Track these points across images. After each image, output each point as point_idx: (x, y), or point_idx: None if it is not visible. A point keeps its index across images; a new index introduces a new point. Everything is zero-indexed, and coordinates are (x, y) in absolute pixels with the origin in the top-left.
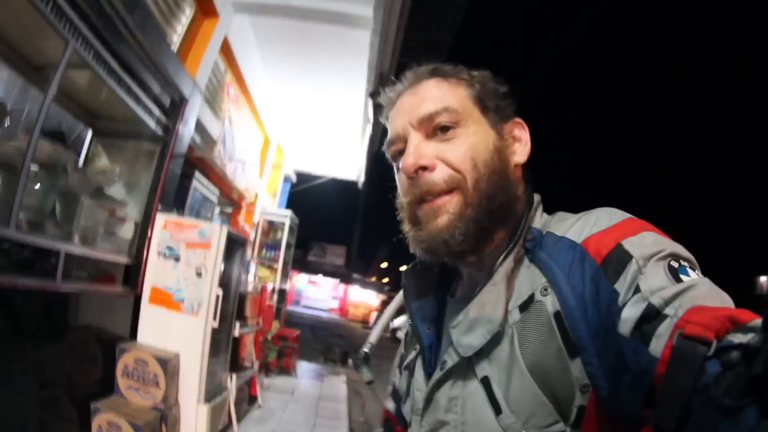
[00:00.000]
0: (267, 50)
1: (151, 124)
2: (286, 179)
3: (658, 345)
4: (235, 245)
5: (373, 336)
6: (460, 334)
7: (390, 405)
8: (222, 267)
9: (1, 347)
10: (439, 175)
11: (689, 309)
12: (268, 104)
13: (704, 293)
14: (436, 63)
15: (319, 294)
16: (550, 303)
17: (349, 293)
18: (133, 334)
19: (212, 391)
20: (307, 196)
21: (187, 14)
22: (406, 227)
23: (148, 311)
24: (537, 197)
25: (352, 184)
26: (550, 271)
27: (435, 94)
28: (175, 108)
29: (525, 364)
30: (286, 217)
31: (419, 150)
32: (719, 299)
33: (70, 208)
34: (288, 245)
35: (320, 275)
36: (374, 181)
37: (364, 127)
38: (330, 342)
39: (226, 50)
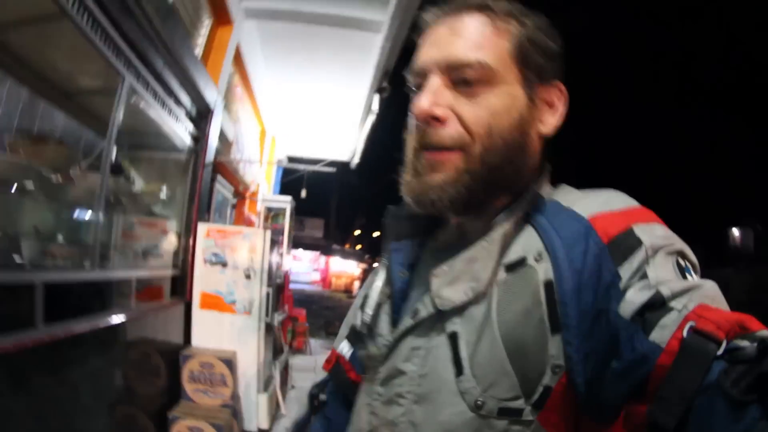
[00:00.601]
0: (270, 49)
1: (185, 136)
2: (279, 164)
3: (662, 335)
4: (273, 244)
5: (369, 305)
6: (442, 285)
7: (345, 349)
8: (268, 267)
9: (72, 374)
10: (448, 131)
11: (699, 305)
12: (267, 96)
13: (712, 295)
14: None
15: (301, 268)
16: (542, 271)
17: (330, 264)
18: (187, 338)
19: (265, 381)
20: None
21: (206, 24)
22: (404, 168)
23: (200, 316)
24: (548, 166)
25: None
26: (548, 237)
27: (473, 37)
28: (202, 118)
29: (499, 329)
30: (287, 202)
31: (436, 98)
32: (725, 304)
33: (129, 235)
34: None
35: (300, 249)
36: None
37: (364, 117)
38: (324, 315)
39: (236, 54)
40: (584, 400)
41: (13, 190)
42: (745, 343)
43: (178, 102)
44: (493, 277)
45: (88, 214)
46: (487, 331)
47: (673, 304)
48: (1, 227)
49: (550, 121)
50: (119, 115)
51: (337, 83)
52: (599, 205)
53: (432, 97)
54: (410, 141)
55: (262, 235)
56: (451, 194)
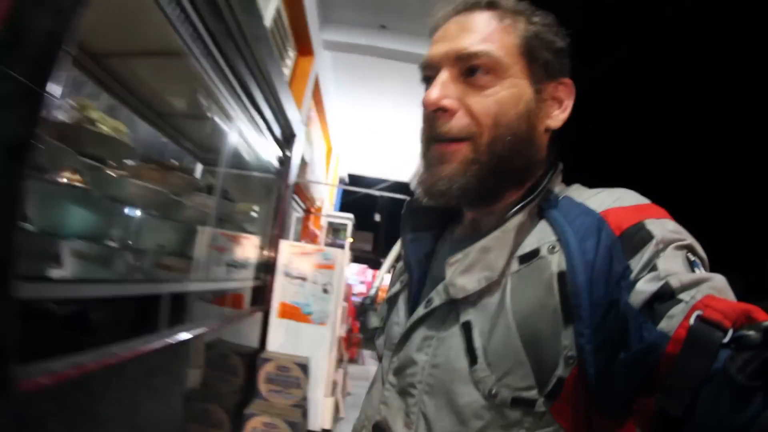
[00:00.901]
0: (343, 76)
1: (273, 159)
2: (341, 182)
3: (670, 324)
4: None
5: (377, 281)
6: (456, 273)
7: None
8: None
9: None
10: (457, 122)
11: (707, 296)
12: (335, 119)
13: (720, 287)
14: None
15: (350, 280)
16: (555, 262)
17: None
18: (262, 343)
19: (331, 387)
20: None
21: (291, 56)
22: (419, 160)
23: (277, 324)
24: (560, 165)
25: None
26: (562, 230)
27: (482, 31)
28: (288, 142)
29: (513, 318)
30: (349, 219)
31: (444, 90)
32: (732, 296)
33: (223, 248)
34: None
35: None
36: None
37: None
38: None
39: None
40: (596, 393)
41: (145, 212)
42: (751, 332)
43: (269, 128)
44: (507, 267)
45: (198, 232)
46: (501, 320)
47: (681, 295)
48: (138, 244)
49: (558, 116)
50: (229, 143)
51: (403, 111)
52: (611, 201)
53: (441, 89)
54: (423, 134)
55: (340, 255)
56: (460, 184)
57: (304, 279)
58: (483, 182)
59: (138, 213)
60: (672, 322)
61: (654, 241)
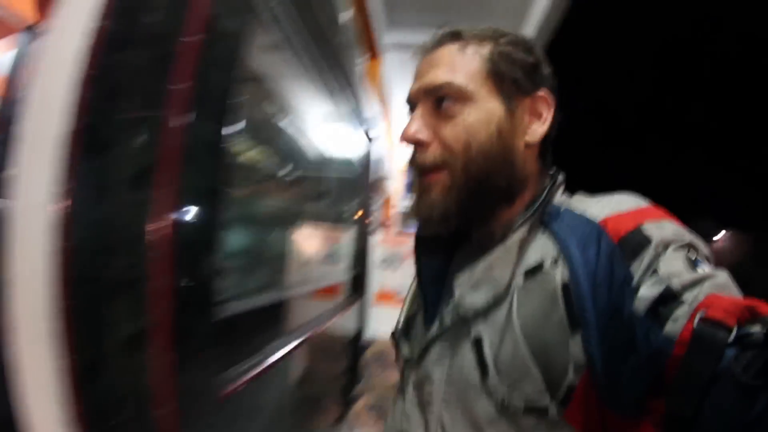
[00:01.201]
0: (407, 76)
1: (359, 158)
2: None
3: (675, 327)
4: None
5: (402, 313)
6: (464, 292)
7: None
8: None
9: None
10: (431, 153)
11: (710, 295)
12: (397, 114)
13: (723, 283)
14: (464, 25)
15: None
16: (558, 274)
17: None
18: (362, 329)
19: None
20: None
21: (365, 57)
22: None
23: (375, 309)
24: (561, 177)
25: None
26: (563, 243)
27: (447, 63)
28: (371, 140)
29: (520, 330)
30: None
31: (418, 124)
32: (737, 292)
33: (330, 243)
34: None
35: None
36: None
37: None
38: None
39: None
40: (606, 397)
41: (274, 224)
42: (756, 329)
43: (357, 126)
44: (512, 282)
45: (310, 234)
46: (509, 332)
47: (684, 296)
48: (269, 254)
49: (537, 129)
50: (333, 148)
51: None
52: (610, 208)
53: (415, 124)
54: (410, 166)
55: None
56: (440, 210)
57: (398, 265)
58: (463, 206)
59: (268, 226)
60: (676, 325)
61: (652, 245)
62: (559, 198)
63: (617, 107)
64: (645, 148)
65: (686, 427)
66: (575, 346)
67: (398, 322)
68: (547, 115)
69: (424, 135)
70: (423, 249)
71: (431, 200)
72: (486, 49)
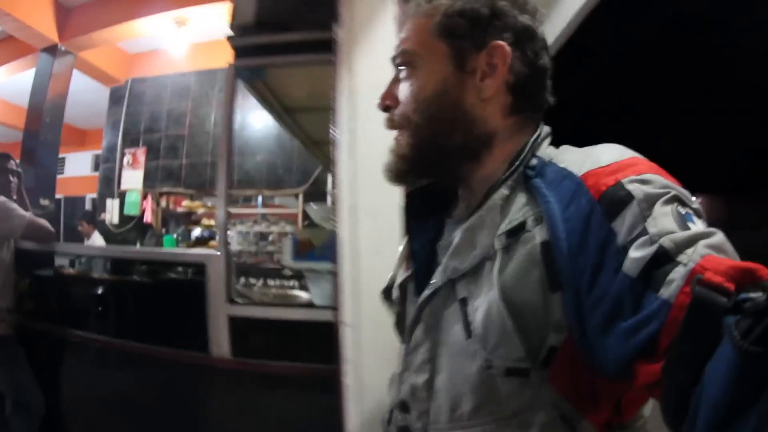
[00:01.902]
0: None
1: None
2: None
3: (670, 290)
4: None
5: (394, 270)
6: (448, 256)
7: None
8: None
9: None
10: (396, 114)
11: (706, 256)
12: None
13: (718, 244)
14: None
15: None
16: (539, 233)
17: None
18: None
19: None
20: None
21: None
22: None
23: None
24: (545, 129)
25: None
26: (545, 200)
27: (405, 33)
28: None
29: (499, 291)
30: None
31: (387, 91)
32: (734, 253)
33: None
34: None
35: None
36: None
37: None
38: None
39: None
40: (591, 360)
41: None
42: (757, 293)
43: None
44: (495, 243)
45: None
46: (490, 294)
47: (679, 257)
48: None
49: (489, 84)
50: None
51: None
52: (592, 161)
53: (385, 91)
54: None
55: None
56: (401, 165)
57: None
58: (418, 163)
59: None
60: (672, 288)
61: (635, 202)
62: (545, 151)
63: None
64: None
65: (683, 393)
66: (556, 307)
67: (390, 278)
68: (502, 67)
69: (389, 100)
70: (414, 209)
71: (394, 157)
72: (435, 9)
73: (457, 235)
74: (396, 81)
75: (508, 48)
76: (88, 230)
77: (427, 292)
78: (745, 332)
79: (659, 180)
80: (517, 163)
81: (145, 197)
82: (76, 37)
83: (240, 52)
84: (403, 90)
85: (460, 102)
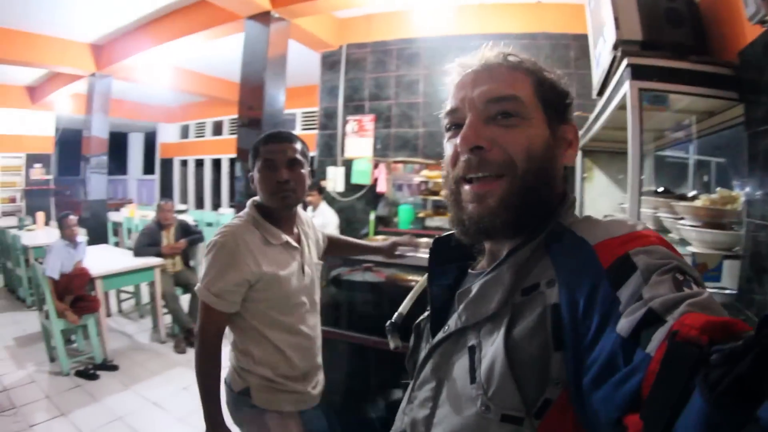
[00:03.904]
0: None
1: None
2: None
3: (652, 346)
4: None
5: (402, 307)
6: (464, 305)
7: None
8: None
9: None
10: (493, 156)
11: (687, 314)
12: None
13: (703, 302)
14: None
15: None
16: (551, 295)
17: None
18: None
19: None
20: None
21: None
22: (447, 201)
23: None
24: (572, 198)
25: None
26: (558, 265)
27: (506, 80)
28: None
29: (505, 343)
30: None
31: (479, 130)
32: (720, 311)
33: None
34: None
35: None
36: None
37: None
38: None
39: None
40: (583, 415)
41: None
42: (726, 347)
43: None
44: (508, 299)
45: None
46: (496, 344)
47: (667, 317)
48: None
49: (571, 154)
50: None
51: None
52: (605, 232)
53: (476, 130)
54: (451, 172)
55: None
56: (503, 219)
57: None
58: (519, 213)
59: None
60: (653, 343)
61: (637, 272)
62: (568, 219)
63: None
64: None
65: None
66: (556, 364)
67: (398, 314)
68: (576, 143)
69: (485, 141)
70: (439, 256)
71: (493, 208)
72: (535, 76)
73: (475, 287)
74: (482, 123)
75: (577, 129)
76: (316, 200)
77: (440, 336)
78: (714, 383)
79: (662, 251)
80: (544, 228)
81: (376, 166)
82: (290, 5)
83: (639, 71)
84: (511, 137)
85: (554, 163)
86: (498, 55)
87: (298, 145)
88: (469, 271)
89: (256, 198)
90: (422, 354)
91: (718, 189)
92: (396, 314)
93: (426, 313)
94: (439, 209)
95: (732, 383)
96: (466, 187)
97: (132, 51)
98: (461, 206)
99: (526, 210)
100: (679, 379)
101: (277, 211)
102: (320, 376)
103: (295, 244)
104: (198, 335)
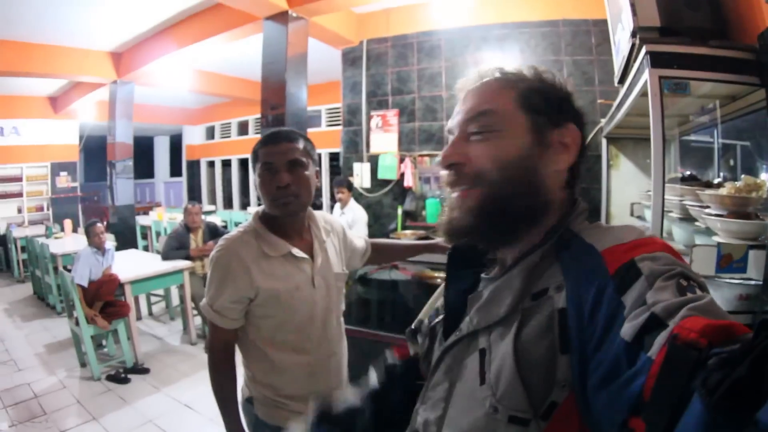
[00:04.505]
0: None
1: None
2: None
3: (654, 349)
4: None
5: (423, 313)
6: (475, 310)
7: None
8: None
9: None
10: (467, 171)
11: (688, 318)
12: None
13: (704, 306)
14: (502, 66)
15: None
16: (559, 300)
17: None
18: None
19: None
20: None
21: None
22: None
23: None
24: (583, 205)
25: None
26: (567, 271)
27: (484, 96)
28: None
29: (514, 346)
30: None
31: (453, 148)
32: (721, 314)
33: None
34: None
35: None
36: None
37: None
38: None
39: None
40: (590, 419)
41: None
42: (726, 350)
43: None
44: (518, 304)
45: None
46: (505, 347)
47: (669, 321)
48: None
49: (564, 159)
50: None
51: None
52: (613, 239)
53: (451, 148)
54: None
55: None
56: (472, 223)
57: None
58: (491, 222)
59: None
60: (655, 347)
61: (642, 278)
62: (578, 225)
63: None
64: None
65: None
66: (563, 367)
67: (418, 321)
68: (574, 146)
69: (456, 158)
70: (456, 261)
71: (462, 214)
72: (521, 85)
73: (486, 292)
74: (462, 140)
75: (578, 131)
76: (346, 198)
77: (452, 339)
78: (713, 387)
79: (667, 258)
80: (552, 234)
81: (402, 161)
82: (308, 3)
83: (659, 59)
84: (481, 150)
85: (536, 171)
86: (489, 71)
87: (300, 144)
88: (482, 276)
89: (262, 208)
90: (435, 356)
91: (743, 176)
92: (416, 320)
93: (441, 316)
94: None
95: (730, 387)
96: (453, 195)
97: (152, 57)
98: (446, 211)
99: (502, 216)
100: (679, 381)
101: (282, 220)
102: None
103: (301, 254)
104: (208, 351)
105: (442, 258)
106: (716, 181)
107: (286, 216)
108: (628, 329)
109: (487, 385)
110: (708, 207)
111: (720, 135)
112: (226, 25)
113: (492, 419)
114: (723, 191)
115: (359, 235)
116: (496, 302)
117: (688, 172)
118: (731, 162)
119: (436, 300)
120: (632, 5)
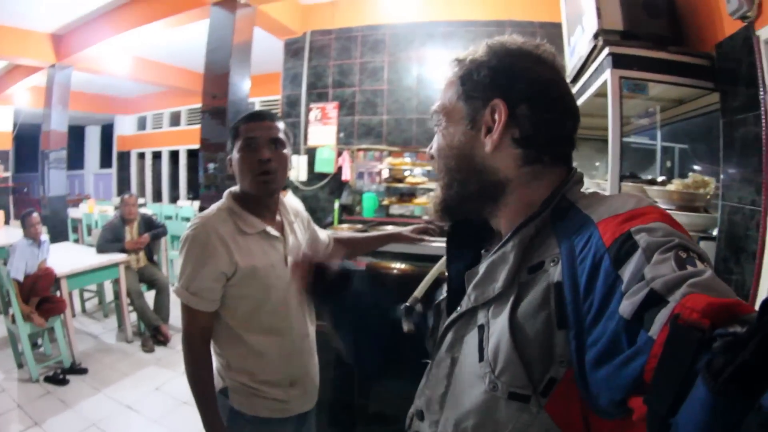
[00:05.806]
0: None
1: None
2: None
3: (655, 328)
4: None
5: (418, 291)
6: (472, 286)
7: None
8: None
9: None
10: (434, 165)
11: (688, 295)
12: None
13: (706, 283)
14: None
15: None
16: (555, 272)
17: None
18: None
19: None
20: None
21: None
22: None
23: None
24: (578, 174)
25: None
26: (562, 243)
27: (442, 92)
28: None
29: (510, 322)
30: None
31: (431, 142)
32: (722, 290)
33: None
34: None
35: None
36: None
37: None
38: None
39: None
40: (587, 394)
41: None
42: (733, 330)
43: None
44: (514, 278)
45: None
46: (503, 323)
47: (669, 297)
48: None
49: (489, 140)
50: None
51: None
52: (609, 209)
53: (432, 144)
54: None
55: None
56: (438, 207)
57: None
58: (451, 203)
59: None
60: (656, 326)
61: (639, 251)
62: (575, 195)
63: None
64: None
65: (663, 425)
66: (560, 342)
67: (413, 298)
68: (498, 123)
69: (430, 150)
70: (455, 239)
71: (433, 199)
72: (460, 74)
73: (481, 268)
74: (437, 134)
75: (503, 105)
76: (282, 191)
77: (453, 316)
78: (718, 371)
79: (665, 228)
80: (545, 205)
81: (339, 154)
82: None
83: (620, 60)
84: (435, 144)
85: (472, 156)
86: (450, 64)
87: (281, 125)
88: (482, 252)
89: (234, 188)
90: (439, 334)
91: (691, 174)
92: (411, 298)
93: (444, 294)
94: (402, 197)
95: (735, 371)
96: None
97: (94, 40)
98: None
99: (452, 200)
100: (681, 363)
101: (257, 198)
102: (314, 381)
103: (275, 233)
104: (184, 340)
105: (404, 248)
106: (660, 179)
107: (264, 193)
108: (626, 306)
109: (486, 362)
110: (656, 203)
111: (661, 137)
112: (173, 9)
113: (492, 396)
114: (671, 187)
115: (322, 229)
116: (492, 277)
117: (627, 173)
118: (668, 164)
119: (432, 278)
120: (598, 9)
